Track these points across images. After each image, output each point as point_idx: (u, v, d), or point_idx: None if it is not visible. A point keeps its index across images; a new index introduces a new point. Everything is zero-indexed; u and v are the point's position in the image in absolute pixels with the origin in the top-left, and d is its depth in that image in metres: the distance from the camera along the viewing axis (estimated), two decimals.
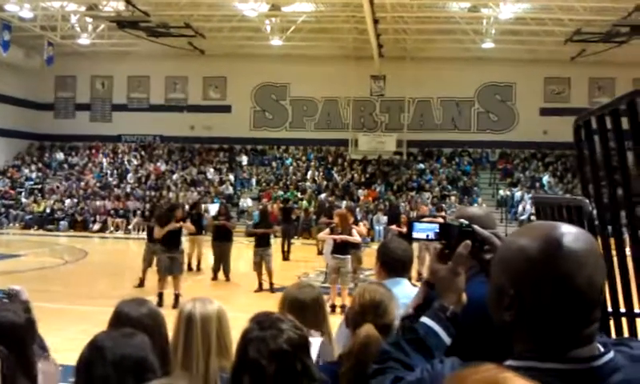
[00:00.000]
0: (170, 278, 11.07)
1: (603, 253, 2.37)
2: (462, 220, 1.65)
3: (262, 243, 12.79)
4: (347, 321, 2.54)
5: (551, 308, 1.21)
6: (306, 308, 2.93)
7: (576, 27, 23.50)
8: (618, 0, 21.19)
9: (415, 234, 1.69)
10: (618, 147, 2.15)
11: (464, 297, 1.59)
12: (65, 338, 6.99)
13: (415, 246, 13.38)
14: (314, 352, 2.82)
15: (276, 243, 13.68)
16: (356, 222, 13.21)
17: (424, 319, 1.58)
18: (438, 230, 1.65)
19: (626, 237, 2.28)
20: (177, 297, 10.70)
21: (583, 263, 1.21)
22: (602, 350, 1.24)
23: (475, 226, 1.61)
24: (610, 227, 2.39)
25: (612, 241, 2.38)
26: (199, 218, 16.14)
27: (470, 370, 1.08)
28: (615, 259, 2.31)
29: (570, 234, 1.23)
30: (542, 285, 1.21)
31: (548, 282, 1.21)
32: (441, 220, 1.70)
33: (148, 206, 25.53)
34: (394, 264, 3.60)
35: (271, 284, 12.35)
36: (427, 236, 1.67)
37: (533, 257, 1.23)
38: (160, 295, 10.70)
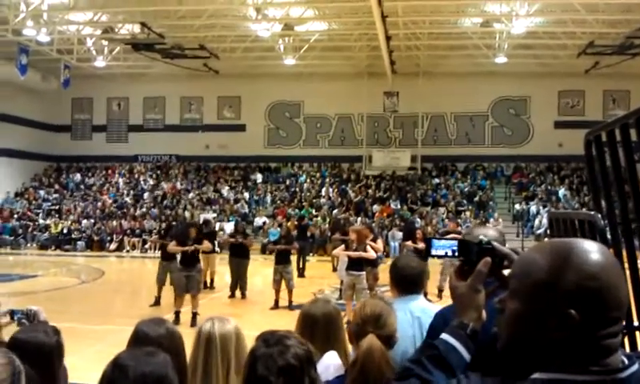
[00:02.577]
0: (188, 296, 11.07)
1: None
2: (481, 237, 1.65)
3: (283, 260, 12.81)
4: (350, 336, 2.56)
5: (588, 324, 1.22)
6: (316, 322, 2.96)
7: (589, 40, 23.43)
8: (631, 12, 21.11)
9: (434, 251, 1.68)
10: (628, 162, 2.17)
11: (484, 314, 1.59)
12: (82, 357, 7.03)
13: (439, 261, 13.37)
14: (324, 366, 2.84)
15: (292, 261, 13.68)
16: (375, 239, 13.18)
17: (444, 336, 1.57)
18: (456, 247, 1.64)
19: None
20: (194, 315, 10.70)
21: (617, 277, 1.25)
22: (627, 362, 1.25)
23: (495, 243, 1.60)
24: (622, 241, 2.40)
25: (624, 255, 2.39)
26: (212, 236, 16.23)
27: None
28: (628, 273, 2.32)
29: (600, 251, 1.26)
30: (596, 302, 1.22)
31: (577, 301, 1.22)
32: (460, 236, 1.70)
33: (164, 225, 25.73)
34: (404, 282, 3.62)
35: (290, 301, 12.32)
36: (446, 253, 1.66)
37: (575, 276, 1.24)
38: (177, 314, 10.72)
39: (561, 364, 1.24)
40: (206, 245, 12.08)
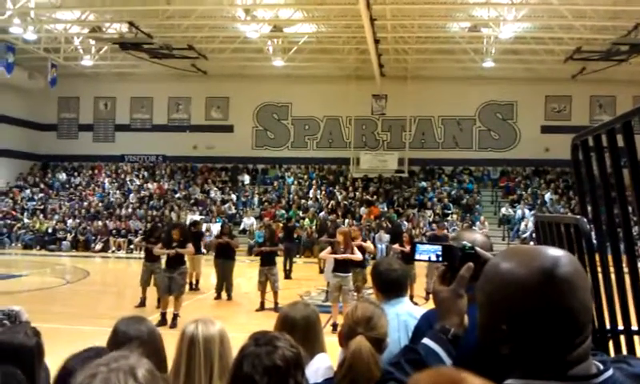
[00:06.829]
0: (171, 298, 11.03)
1: (601, 271, 2.38)
2: (464, 242, 1.66)
3: (268, 262, 12.75)
4: (340, 338, 2.54)
5: (548, 334, 1.21)
6: (295, 325, 2.95)
7: (576, 46, 23.60)
8: (618, 19, 21.30)
9: (418, 256, 1.70)
10: (614, 167, 2.17)
11: (466, 319, 1.59)
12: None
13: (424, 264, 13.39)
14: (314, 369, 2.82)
15: (278, 262, 13.63)
16: (364, 240, 13.17)
17: (425, 340, 1.58)
18: (440, 252, 1.65)
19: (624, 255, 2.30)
20: (175, 317, 10.68)
21: (576, 287, 1.21)
22: (602, 367, 1.25)
23: (478, 249, 1.61)
24: (608, 245, 2.41)
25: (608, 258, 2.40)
26: (199, 238, 16.14)
27: (429, 372, 1.11)
28: (613, 277, 2.33)
29: (559, 259, 1.24)
30: (538, 315, 1.21)
31: (545, 312, 1.20)
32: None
33: (149, 225, 25.58)
34: (387, 286, 3.61)
35: (276, 303, 12.23)
36: (429, 258, 1.67)
37: (526, 289, 1.22)
38: (163, 315, 10.67)
39: (535, 372, 1.23)
40: (189, 249, 11.91)
